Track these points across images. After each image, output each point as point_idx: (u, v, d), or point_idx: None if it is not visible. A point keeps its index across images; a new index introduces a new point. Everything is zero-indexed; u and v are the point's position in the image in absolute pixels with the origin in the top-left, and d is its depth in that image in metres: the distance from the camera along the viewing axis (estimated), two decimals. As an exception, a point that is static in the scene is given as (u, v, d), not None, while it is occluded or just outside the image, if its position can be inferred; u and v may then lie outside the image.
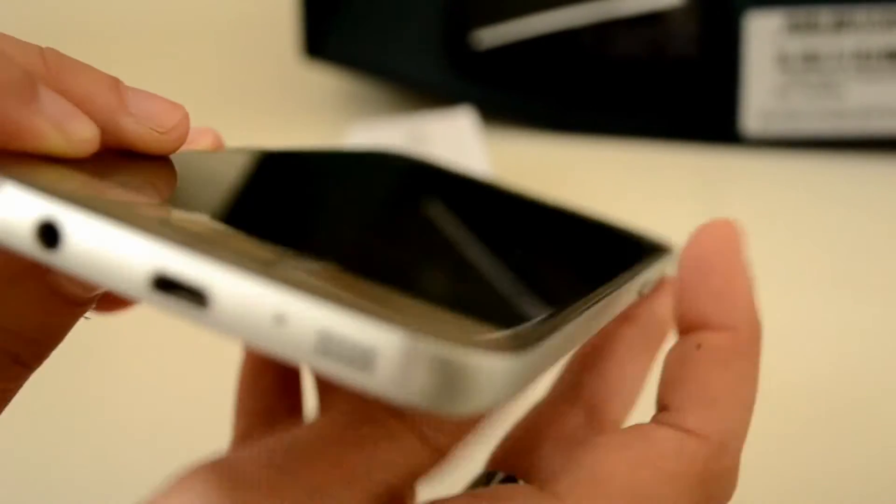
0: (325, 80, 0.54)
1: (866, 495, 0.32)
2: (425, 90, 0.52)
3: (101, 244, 0.15)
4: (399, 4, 0.54)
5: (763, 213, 0.45)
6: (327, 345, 0.14)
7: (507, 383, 0.14)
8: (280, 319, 0.14)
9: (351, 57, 0.52)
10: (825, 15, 0.47)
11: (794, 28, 0.47)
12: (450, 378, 0.13)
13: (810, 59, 0.47)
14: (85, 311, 0.19)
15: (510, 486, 0.19)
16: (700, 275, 0.20)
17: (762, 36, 0.47)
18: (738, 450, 0.19)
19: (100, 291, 0.17)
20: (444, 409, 0.14)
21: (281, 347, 0.14)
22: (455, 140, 0.44)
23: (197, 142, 0.23)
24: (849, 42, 0.47)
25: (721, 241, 0.21)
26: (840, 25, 0.46)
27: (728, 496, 0.19)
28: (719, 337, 0.20)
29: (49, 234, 0.15)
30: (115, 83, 0.18)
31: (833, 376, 0.37)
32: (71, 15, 0.60)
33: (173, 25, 0.60)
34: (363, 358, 0.13)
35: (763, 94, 0.48)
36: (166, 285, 0.14)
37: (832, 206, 0.46)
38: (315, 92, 0.53)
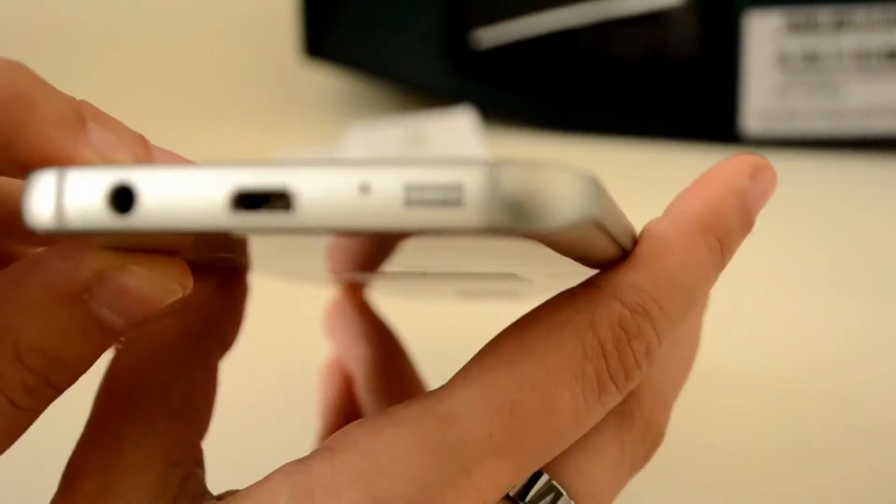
0: (325, 80, 0.54)
1: (866, 495, 0.32)
2: (425, 90, 0.52)
3: (176, 189, 0.16)
4: (399, 4, 0.54)
5: (762, 212, 0.44)
6: (415, 195, 0.15)
7: (585, 199, 0.16)
8: (365, 188, 0.15)
9: (350, 57, 0.52)
10: (825, 15, 0.47)
11: (794, 28, 0.47)
12: (533, 194, 0.15)
13: (810, 58, 0.47)
14: (118, 339, 0.20)
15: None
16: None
17: (762, 36, 0.47)
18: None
19: (137, 320, 0.18)
20: (533, 227, 0.15)
21: (370, 216, 0.15)
22: (454, 140, 0.44)
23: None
24: (849, 42, 0.47)
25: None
26: (840, 25, 0.46)
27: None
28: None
29: (122, 197, 0.16)
30: (142, 138, 0.19)
31: (832, 375, 0.37)
32: (70, 14, 0.60)
33: (173, 25, 0.60)
34: (452, 195, 0.15)
35: (763, 94, 0.48)
36: (248, 201, 0.15)
37: (832, 206, 0.45)
38: (314, 92, 0.53)
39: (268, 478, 0.18)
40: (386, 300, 0.34)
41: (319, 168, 0.15)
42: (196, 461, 0.20)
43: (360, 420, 0.18)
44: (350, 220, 0.15)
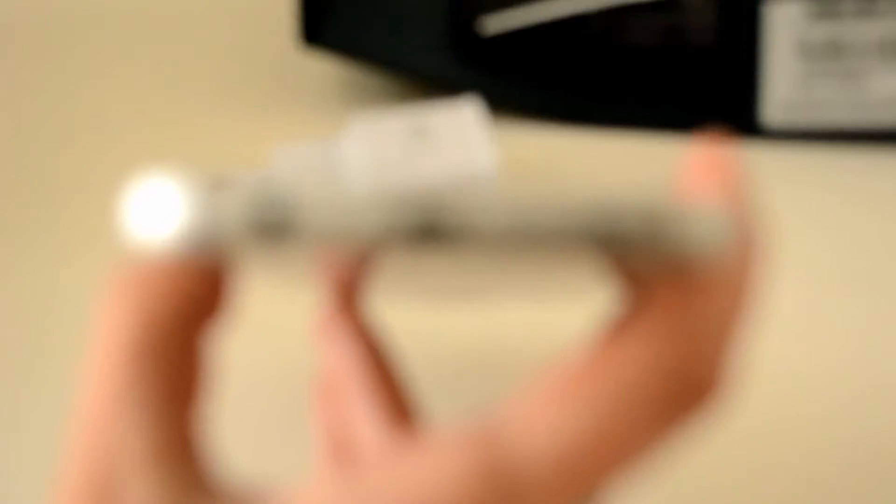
0: (324, 69, 0.53)
1: (865, 495, 0.33)
2: (428, 79, 0.51)
3: (337, 212, 0.15)
4: (401, -11, 0.54)
5: (785, 208, 0.45)
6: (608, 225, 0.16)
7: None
8: (564, 213, 0.16)
9: (351, 44, 0.51)
10: (849, 1, 0.46)
11: (817, 15, 0.46)
12: (678, 214, 0.17)
13: (833, 47, 0.47)
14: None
15: None
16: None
17: (783, 23, 0.46)
18: None
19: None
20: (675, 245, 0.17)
21: (567, 240, 0.16)
22: (460, 132, 0.44)
23: None
24: (874, 29, 0.46)
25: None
26: (864, 12, 0.46)
27: None
28: None
29: (277, 221, 0.15)
30: None
31: (856, 377, 0.37)
32: (65, 5, 0.60)
33: (168, 12, 0.60)
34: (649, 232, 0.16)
35: (784, 84, 0.47)
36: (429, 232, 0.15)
37: (858, 202, 0.45)
38: (313, 81, 0.53)
39: (306, 492, 0.18)
40: (381, 302, 0.34)
41: (503, 198, 0.16)
42: (205, 452, 0.20)
43: (404, 444, 0.18)
44: (545, 242, 0.16)
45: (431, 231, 0.15)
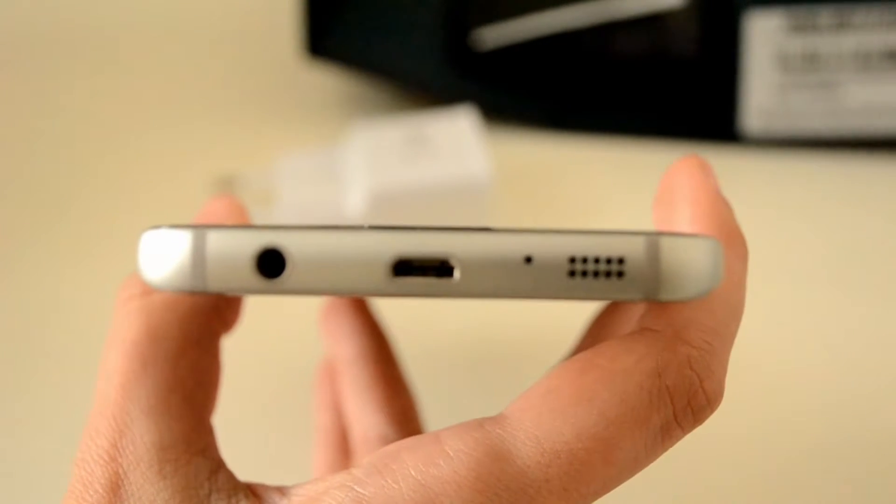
0: (326, 80, 0.54)
1: (865, 495, 0.32)
2: (426, 90, 0.52)
3: (329, 254, 0.15)
4: (400, 4, 0.54)
5: (763, 212, 0.45)
6: (578, 266, 0.16)
7: (719, 265, 0.17)
8: (530, 259, 0.16)
9: (352, 56, 0.52)
10: (825, 15, 0.46)
11: (795, 28, 0.47)
12: (685, 265, 0.16)
13: (810, 58, 0.47)
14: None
15: None
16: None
17: (762, 36, 0.47)
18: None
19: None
20: (682, 296, 0.16)
21: (533, 287, 0.16)
22: (456, 140, 0.44)
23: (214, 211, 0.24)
24: (849, 42, 0.47)
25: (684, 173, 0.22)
26: (840, 26, 0.46)
27: None
28: None
29: (271, 261, 0.16)
30: None
31: (832, 375, 0.37)
32: (70, 14, 0.60)
33: (173, 24, 0.60)
34: (615, 268, 0.16)
35: (763, 94, 0.48)
36: (407, 268, 0.16)
37: (832, 206, 0.45)
38: (315, 92, 0.53)
39: (321, 489, 0.18)
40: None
41: (484, 236, 0.16)
42: (216, 448, 0.20)
43: (409, 443, 0.18)
44: (511, 290, 0.16)
45: None
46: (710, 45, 0.49)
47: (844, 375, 0.37)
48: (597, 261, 0.16)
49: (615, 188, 0.47)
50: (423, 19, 0.53)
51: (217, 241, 0.16)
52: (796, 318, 0.39)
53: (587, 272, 0.16)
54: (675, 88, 0.50)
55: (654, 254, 0.16)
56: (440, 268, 0.16)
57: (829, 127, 0.48)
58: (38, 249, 0.44)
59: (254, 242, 0.16)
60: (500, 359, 0.37)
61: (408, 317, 0.34)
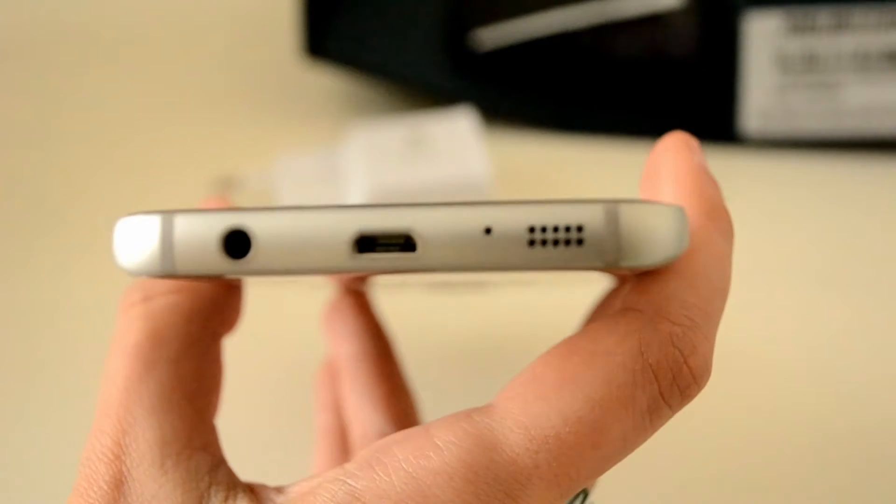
0: (325, 81, 0.54)
1: (863, 495, 0.32)
2: (425, 90, 0.52)
3: (292, 232, 0.16)
4: (400, 5, 0.54)
5: (762, 212, 0.45)
6: (537, 236, 0.16)
7: (683, 232, 0.17)
8: (489, 230, 0.16)
9: (351, 57, 0.52)
10: (824, 16, 0.47)
11: (794, 29, 0.47)
12: (645, 231, 0.16)
13: (809, 59, 0.47)
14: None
15: None
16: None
17: (761, 36, 0.47)
18: None
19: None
20: (644, 262, 0.16)
21: (493, 257, 0.16)
22: (455, 140, 0.44)
23: None
24: (848, 43, 0.47)
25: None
26: (839, 26, 0.47)
27: None
28: None
29: (237, 241, 0.16)
30: None
31: (832, 375, 0.37)
32: (70, 15, 0.60)
33: (173, 25, 0.60)
34: (574, 235, 0.16)
35: (762, 95, 0.48)
36: (369, 244, 0.16)
37: (831, 206, 0.46)
38: (315, 92, 0.54)
39: (314, 484, 0.18)
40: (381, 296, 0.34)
41: (444, 209, 0.16)
42: (218, 446, 0.20)
43: (400, 436, 0.18)
44: (473, 262, 0.16)
45: None
46: (709, 46, 0.49)
47: (844, 375, 0.37)
48: (556, 229, 0.16)
49: (614, 188, 0.46)
50: (423, 20, 0.53)
51: (184, 224, 0.16)
52: (796, 318, 0.39)
53: (546, 241, 0.16)
54: (673, 89, 0.50)
55: (613, 220, 0.16)
56: (403, 244, 0.16)
57: (827, 127, 0.48)
58: (38, 249, 0.44)
59: (219, 224, 0.16)
60: (500, 358, 0.37)
61: (408, 317, 0.34)
